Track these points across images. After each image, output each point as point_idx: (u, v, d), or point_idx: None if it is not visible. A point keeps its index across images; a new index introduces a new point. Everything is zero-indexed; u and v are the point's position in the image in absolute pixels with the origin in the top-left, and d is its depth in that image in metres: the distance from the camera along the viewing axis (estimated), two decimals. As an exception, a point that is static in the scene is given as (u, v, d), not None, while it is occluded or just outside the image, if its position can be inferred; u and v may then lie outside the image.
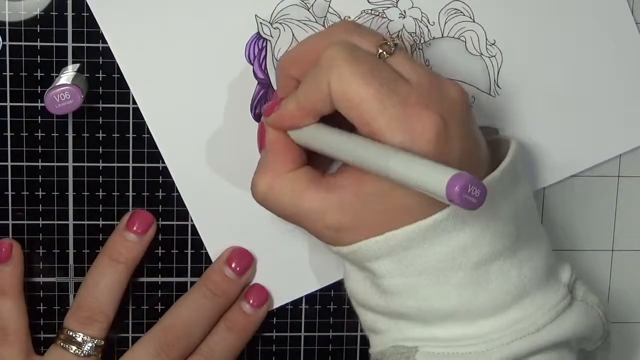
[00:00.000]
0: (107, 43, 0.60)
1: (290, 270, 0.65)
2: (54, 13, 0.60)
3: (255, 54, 0.61)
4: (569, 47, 0.64)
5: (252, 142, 0.60)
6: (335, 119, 0.54)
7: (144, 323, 0.64)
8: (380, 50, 0.53)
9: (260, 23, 0.61)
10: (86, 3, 0.60)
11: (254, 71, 0.62)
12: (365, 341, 0.66)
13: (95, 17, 0.60)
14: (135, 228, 0.62)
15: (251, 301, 0.63)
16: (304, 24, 0.61)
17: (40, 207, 0.62)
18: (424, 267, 0.53)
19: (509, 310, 0.54)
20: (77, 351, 0.60)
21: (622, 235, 0.68)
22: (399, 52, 0.54)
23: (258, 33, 0.61)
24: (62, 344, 0.60)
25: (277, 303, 0.65)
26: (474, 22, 0.62)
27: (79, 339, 0.60)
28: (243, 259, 0.63)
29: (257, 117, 0.62)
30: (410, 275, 0.53)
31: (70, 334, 0.60)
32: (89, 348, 0.60)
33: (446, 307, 0.54)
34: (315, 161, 0.57)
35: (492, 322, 0.54)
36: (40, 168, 0.62)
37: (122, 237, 0.61)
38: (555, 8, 0.63)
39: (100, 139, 0.62)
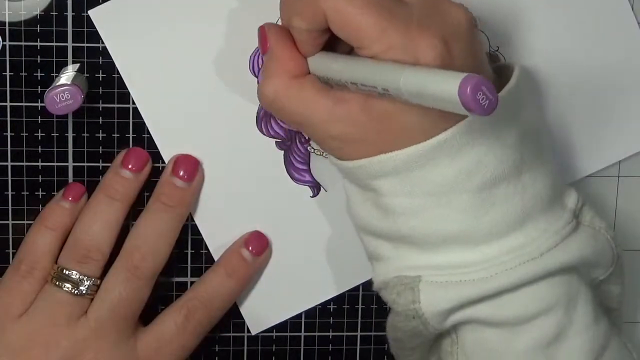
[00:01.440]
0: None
1: (291, 280, 0.65)
2: (54, 13, 0.60)
3: (260, 66, 0.61)
4: (572, 52, 0.64)
5: (256, 152, 0.62)
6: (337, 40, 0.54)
7: (144, 323, 0.64)
8: None
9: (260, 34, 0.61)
10: (86, 3, 0.60)
11: (258, 83, 0.62)
12: (365, 341, 0.67)
13: (101, 34, 0.60)
14: (130, 166, 0.61)
15: (250, 248, 0.63)
16: None
17: (40, 207, 0.62)
18: (428, 189, 0.53)
19: (512, 235, 0.54)
20: (72, 289, 0.59)
21: (622, 235, 0.68)
22: None
23: None
24: (56, 282, 0.59)
25: (275, 321, 0.66)
26: (476, 28, 0.62)
27: (74, 277, 0.59)
28: (189, 165, 0.62)
29: (263, 129, 0.62)
30: (414, 196, 0.53)
31: (65, 272, 0.59)
32: (85, 287, 0.59)
33: (449, 230, 0.53)
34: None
35: (495, 247, 0.54)
36: (40, 168, 0.62)
37: (118, 174, 0.61)
38: (558, 14, 0.63)
39: (100, 139, 0.62)
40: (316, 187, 0.64)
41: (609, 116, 0.65)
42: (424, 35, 0.50)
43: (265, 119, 0.62)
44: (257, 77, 0.61)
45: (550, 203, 0.55)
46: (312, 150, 0.63)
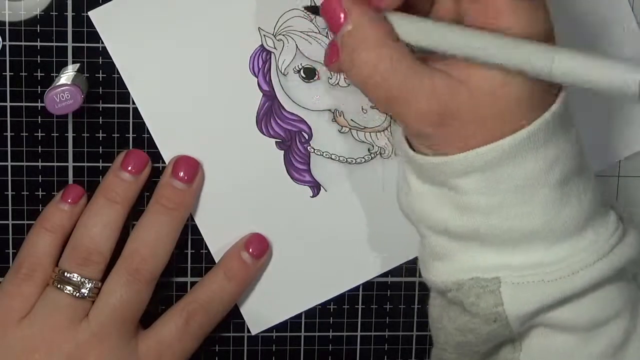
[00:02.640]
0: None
1: (291, 280, 0.65)
2: (54, 13, 0.60)
3: (260, 66, 0.62)
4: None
5: (256, 152, 0.62)
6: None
7: (144, 324, 0.64)
8: None
9: (264, 35, 0.61)
10: (86, 3, 0.60)
11: (258, 83, 0.62)
12: (365, 341, 0.66)
13: (101, 35, 0.60)
14: (130, 168, 0.61)
15: (250, 250, 0.63)
16: (308, 35, 0.62)
17: (40, 207, 0.62)
18: (513, 184, 0.52)
19: (585, 231, 0.54)
20: (73, 292, 0.59)
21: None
22: None
23: (262, 45, 0.62)
24: (57, 285, 0.59)
25: (275, 321, 0.66)
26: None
27: (75, 280, 0.59)
28: (189, 166, 0.62)
29: (263, 129, 0.62)
30: (496, 193, 0.52)
31: (66, 274, 0.59)
32: (86, 290, 0.59)
33: (529, 227, 0.53)
34: None
35: (571, 244, 0.53)
36: (40, 168, 0.62)
37: (118, 177, 0.61)
38: (557, 14, 0.63)
39: (100, 139, 0.62)
40: (316, 187, 0.64)
41: (609, 116, 0.65)
42: (542, 5, 0.51)
43: (265, 119, 0.62)
44: (256, 77, 0.62)
45: (602, 200, 0.56)
46: (312, 150, 0.63)
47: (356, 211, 0.64)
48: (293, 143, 0.63)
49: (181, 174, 0.61)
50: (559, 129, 0.52)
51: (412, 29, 0.52)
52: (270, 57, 0.62)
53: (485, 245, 0.54)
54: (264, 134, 0.62)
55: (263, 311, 0.65)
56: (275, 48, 0.62)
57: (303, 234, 0.64)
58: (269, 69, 0.62)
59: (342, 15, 0.53)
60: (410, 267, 0.66)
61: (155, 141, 0.62)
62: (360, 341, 0.67)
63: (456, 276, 0.55)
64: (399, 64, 0.51)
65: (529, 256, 0.54)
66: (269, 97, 0.62)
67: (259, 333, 0.66)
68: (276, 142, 0.63)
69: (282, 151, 0.63)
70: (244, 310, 0.65)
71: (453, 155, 0.52)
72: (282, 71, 0.62)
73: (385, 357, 0.67)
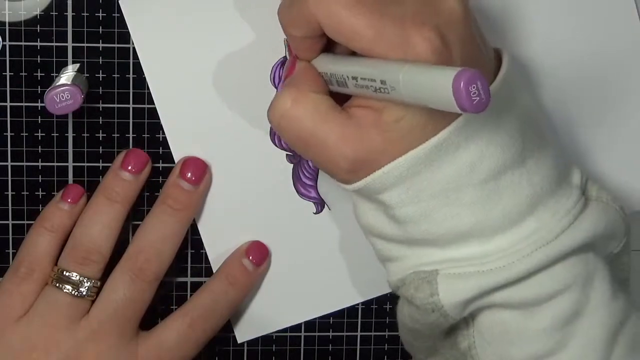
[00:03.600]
0: (107, 43, 0.60)
1: (283, 293, 0.65)
2: (54, 13, 0.60)
3: (281, 77, 0.61)
4: (573, 44, 0.64)
5: (266, 163, 0.62)
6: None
7: (144, 323, 0.64)
8: None
9: (288, 47, 0.61)
10: (86, 3, 0.60)
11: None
12: (365, 341, 0.67)
13: (129, 27, 0.60)
14: (130, 167, 0.61)
15: (251, 257, 0.63)
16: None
17: (40, 207, 0.62)
18: (434, 190, 0.52)
19: (525, 221, 0.54)
20: (72, 291, 0.59)
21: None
22: None
23: (285, 57, 0.61)
24: (56, 283, 0.59)
25: (262, 332, 0.66)
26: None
27: (75, 279, 0.59)
28: (197, 168, 0.62)
29: (276, 141, 0.63)
30: (420, 201, 0.53)
31: (65, 273, 0.59)
32: (85, 289, 0.59)
33: (460, 226, 0.53)
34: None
35: (509, 236, 0.54)
36: (40, 168, 0.62)
37: (118, 176, 0.61)
38: (557, 8, 0.63)
39: (100, 139, 0.62)
40: (320, 204, 0.64)
41: (608, 116, 0.65)
42: (419, 30, 0.49)
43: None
44: (276, 88, 0.62)
45: (558, 184, 0.55)
46: None
47: (357, 232, 0.64)
48: (303, 158, 0.63)
49: (189, 174, 0.61)
50: (479, 127, 0.52)
51: (319, 63, 0.55)
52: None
53: (425, 246, 0.55)
54: (276, 146, 0.62)
55: (252, 321, 0.65)
56: None
57: (302, 249, 0.64)
58: None
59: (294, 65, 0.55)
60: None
61: (168, 139, 0.62)
62: (360, 341, 0.67)
63: (402, 274, 0.56)
64: (312, 109, 0.53)
65: (466, 250, 0.54)
66: None
67: (244, 342, 0.66)
68: (287, 155, 0.63)
69: (292, 165, 0.63)
70: (233, 317, 0.65)
71: (365, 178, 0.53)
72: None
73: (385, 357, 0.67)
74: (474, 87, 0.44)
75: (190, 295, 0.64)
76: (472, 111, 0.44)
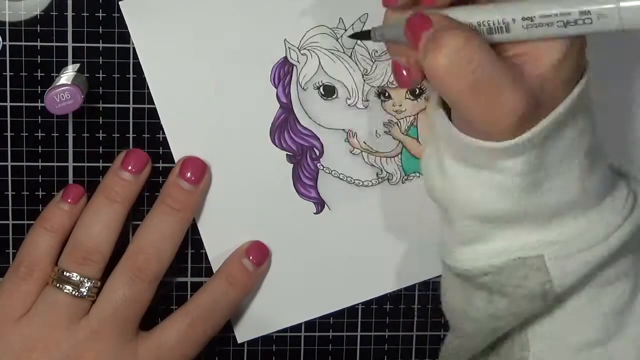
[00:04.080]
0: (107, 43, 0.60)
1: (283, 293, 0.65)
2: (54, 13, 0.60)
3: (281, 77, 0.61)
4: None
5: (265, 163, 0.62)
6: None
7: (144, 323, 0.64)
8: None
9: (289, 48, 0.61)
10: (86, 3, 0.59)
11: (277, 94, 0.62)
12: (365, 341, 0.67)
13: (129, 28, 0.60)
14: (130, 167, 0.61)
15: (251, 257, 0.63)
16: (332, 52, 0.62)
17: (40, 207, 0.62)
18: (554, 159, 0.53)
19: (610, 195, 0.56)
20: (73, 291, 0.59)
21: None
22: None
23: (285, 57, 0.61)
24: (56, 284, 0.59)
25: (262, 332, 0.66)
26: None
27: (75, 279, 0.59)
28: (197, 168, 0.62)
29: (276, 141, 0.62)
30: (540, 169, 0.53)
31: (66, 273, 0.59)
32: (86, 289, 0.59)
33: (567, 197, 0.54)
34: None
35: (601, 210, 0.55)
36: (40, 168, 0.62)
37: (118, 176, 0.61)
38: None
39: (100, 139, 0.62)
40: (320, 205, 0.64)
41: (608, 116, 0.65)
42: None
43: (279, 131, 0.62)
44: (276, 88, 0.62)
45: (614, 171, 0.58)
46: (322, 168, 0.63)
47: (357, 233, 0.64)
48: (303, 158, 0.63)
49: (188, 174, 0.61)
50: (585, 102, 0.53)
51: (465, 14, 0.51)
52: (292, 70, 0.62)
53: (523, 225, 0.54)
54: (276, 146, 0.62)
55: (252, 321, 0.65)
56: (298, 61, 0.62)
57: (302, 249, 0.64)
58: (289, 82, 0.62)
59: (426, 23, 0.50)
60: (410, 267, 0.66)
61: (168, 139, 0.62)
62: (360, 341, 0.67)
63: (493, 259, 0.55)
64: (487, 52, 0.49)
65: (563, 229, 0.54)
66: (286, 109, 0.62)
67: (244, 342, 0.66)
68: (287, 155, 0.63)
69: (292, 165, 0.63)
70: (233, 318, 0.65)
71: (509, 140, 0.51)
72: (302, 85, 0.62)
73: (385, 357, 0.67)
74: None
75: (191, 295, 0.64)
76: None
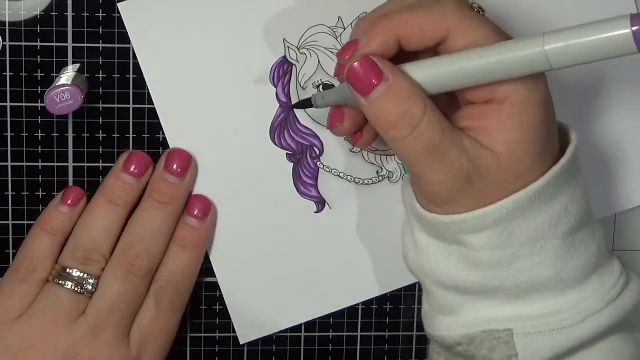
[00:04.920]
0: (107, 43, 0.60)
1: (284, 292, 0.65)
2: (54, 13, 0.60)
3: (280, 76, 0.61)
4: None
5: (265, 161, 0.62)
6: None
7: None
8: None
9: (288, 47, 0.61)
10: (86, 3, 0.59)
11: (276, 94, 0.62)
12: (365, 341, 0.66)
13: (127, 29, 0.60)
14: (132, 170, 0.61)
15: (195, 212, 0.62)
16: (331, 52, 0.62)
17: (40, 207, 0.62)
18: (523, 238, 0.53)
19: (590, 278, 0.55)
20: (74, 287, 0.59)
21: (622, 235, 0.68)
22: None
23: (284, 56, 0.61)
24: (57, 280, 0.59)
25: (265, 332, 0.66)
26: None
27: (75, 275, 0.59)
28: (181, 159, 0.61)
29: (275, 140, 0.62)
30: (508, 247, 0.53)
31: (67, 270, 0.59)
32: (88, 284, 0.59)
33: (540, 277, 0.54)
34: None
35: (579, 292, 0.54)
36: (40, 168, 0.62)
37: (120, 179, 0.61)
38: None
39: (100, 139, 0.62)
40: (321, 203, 0.64)
41: (608, 116, 0.65)
42: None
43: (278, 130, 0.62)
44: (275, 87, 0.62)
45: (607, 249, 0.57)
46: (322, 166, 0.63)
47: (358, 231, 0.64)
48: (303, 157, 0.63)
49: (174, 166, 0.61)
50: (567, 180, 0.53)
51: (430, 74, 0.51)
52: (291, 69, 0.62)
53: (495, 298, 0.55)
54: (276, 145, 0.62)
55: (253, 321, 0.65)
56: (297, 61, 0.62)
57: (303, 248, 0.64)
58: (289, 81, 0.62)
59: (375, 77, 0.51)
60: (410, 267, 0.66)
61: (167, 139, 0.62)
62: (360, 341, 0.67)
63: (466, 329, 0.56)
64: (434, 117, 0.51)
65: (538, 306, 0.54)
66: (285, 108, 0.62)
67: (245, 342, 0.66)
68: (287, 154, 0.63)
69: (292, 164, 0.63)
70: (235, 318, 0.65)
71: (465, 213, 0.53)
72: (302, 84, 0.62)
73: (385, 357, 0.67)
74: None
75: (190, 294, 0.64)
76: None
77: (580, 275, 0.54)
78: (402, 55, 0.52)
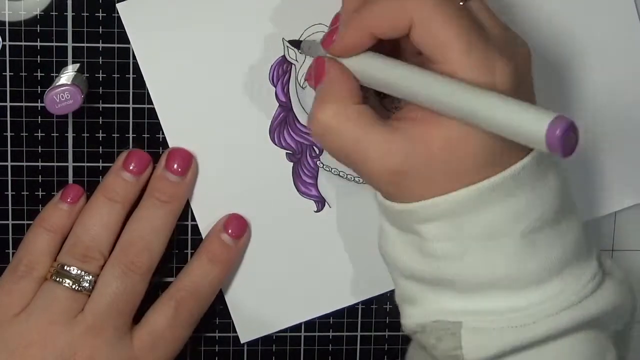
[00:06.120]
0: (107, 43, 0.60)
1: (285, 291, 0.65)
2: (54, 13, 0.60)
3: (279, 76, 0.61)
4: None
5: (265, 161, 0.62)
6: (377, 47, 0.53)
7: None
8: None
9: (287, 46, 0.61)
10: (86, 3, 0.60)
11: (276, 93, 0.62)
12: (365, 341, 0.67)
13: (126, 30, 0.60)
14: (132, 168, 0.61)
15: (230, 231, 0.63)
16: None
17: (40, 207, 0.62)
18: (476, 232, 0.52)
19: (552, 281, 0.54)
20: (73, 285, 0.59)
21: (622, 235, 0.68)
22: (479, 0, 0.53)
23: (283, 56, 0.61)
24: (55, 278, 0.59)
25: (265, 331, 0.66)
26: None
27: (74, 273, 0.59)
28: (183, 159, 0.62)
29: (275, 139, 0.62)
30: (460, 240, 0.53)
31: (66, 268, 0.59)
32: (86, 282, 0.59)
33: (493, 274, 0.53)
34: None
35: (536, 293, 0.54)
36: (40, 168, 0.62)
37: (119, 177, 0.61)
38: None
39: (100, 139, 0.62)
40: (321, 203, 0.64)
41: (607, 115, 0.66)
42: (501, 59, 0.50)
43: (278, 130, 0.62)
44: (275, 86, 0.62)
45: (582, 251, 0.56)
46: (322, 166, 0.63)
47: (358, 230, 0.64)
48: (303, 156, 0.63)
49: (175, 166, 0.61)
50: (532, 178, 0.52)
51: (378, 70, 0.53)
52: (290, 69, 0.62)
53: (450, 290, 0.55)
54: (276, 144, 0.62)
55: (254, 321, 0.65)
56: (296, 60, 0.62)
57: (303, 247, 0.64)
58: (288, 81, 0.62)
59: (323, 72, 0.55)
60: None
61: (167, 139, 0.62)
62: (360, 341, 0.67)
63: (422, 319, 0.56)
64: (355, 122, 0.53)
65: (491, 302, 0.54)
66: (285, 108, 0.62)
67: (246, 342, 0.66)
68: (287, 153, 0.63)
69: (292, 163, 0.63)
70: (235, 317, 0.65)
71: (414, 202, 0.53)
72: (301, 84, 0.62)
73: (385, 357, 0.67)
74: (568, 135, 0.44)
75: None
76: (562, 156, 0.44)
77: (539, 276, 0.53)
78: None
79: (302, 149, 0.63)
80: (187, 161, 0.62)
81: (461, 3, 0.52)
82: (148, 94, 0.61)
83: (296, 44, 0.61)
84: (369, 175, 0.54)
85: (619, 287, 0.56)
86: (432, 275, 0.54)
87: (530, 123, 0.45)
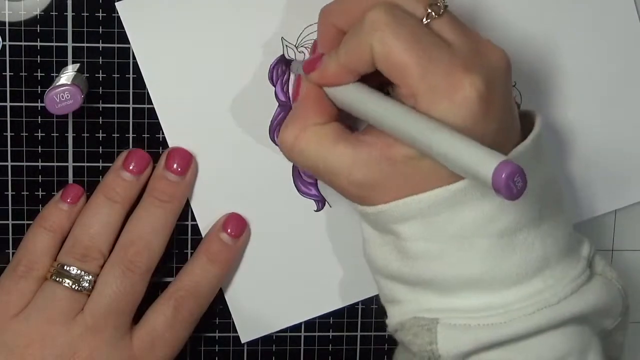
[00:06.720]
0: (107, 43, 0.60)
1: (285, 290, 0.65)
2: (54, 13, 0.60)
3: (279, 76, 0.61)
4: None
5: (265, 160, 0.62)
6: (374, 76, 0.54)
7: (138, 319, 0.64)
8: (429, 11, 0.53)
9: (286, 46, 0.61)
10: (86, 3, 0.60)
11: (275, 93, 0.62)
12: (365, 341, 0.67)
13: (126, 30, 0.60)
14: (132, 167, 0.61)
15: (229, 230, 0.63)
16: None
17: (40, 207, 0.62)
18: (451, 232, 0.53)
19: (531, 281, 0.54)
20: (73, 285, 0.59)
21: (622, 235, 0.68)
22: (447, 15, 0.53)
23: (283, 55, 0.61)
24: (55, 278, 0.59)
25: (265, 331, 0.66)
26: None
27: (74, 273, 0.59)
28: (183, 158, 0.62)
29: (275, 139, 0.62)
30: (435, 240, 0.53)
31: (66, 267, 0.59)
32: (86, 282, 0.59)
33: (469, 274, 0.54)
34: (345, 118, 0.57)
35: (513, 293, 0.54)
36: (40, 168, 0.62)
37: (119, 176, 0.61)
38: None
39: (100, 139, 0.62)
40: (321, 202, 0.64)
41: (608, 115, 0.66)
42: (467, 75, 0.51)
43: (278, 129, 0.62)
44: (274, 86, 0.62)
45: (567, 252, 0.56)
46: None
47: (358, 229, 0.64)
48: None
49: (174, 165, 0.61)
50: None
51: (350, 98, 0.55)
52: (290, 68, 0.61)
53: (428, 290, 0.55)
54: (276, 144, 0.62)
55: (254, 321, 0.65)
56: (296, 59, 0.61)
57: (303, 247, 0.64)
58: (288, 80, 0.62)
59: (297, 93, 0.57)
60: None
61: (167, 139, 0.62)
62: (360, 341, 0.67)
63: (401, 317, 0.56)
64: (317, 142, 0.55)
65: (469, 301, 0.54)
66: (285, 107, 0.62)
67: (246, 342, 0.66)
68: None
69: (292, 162, 0.63)
70: (236, 317, 0.65)
71: (387, 203, 0.53)
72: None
73: (385, 357, 0.67)
74: (513, 180, 0.45)
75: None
76: (507, 198, 0.46)
77: (517, 276, 0.54)
78: None
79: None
80: (186, 161, 0.62)
81: (427, 20, 0.53)
82: (148, 94, 0.61)
83: (287, 63, 0.61)
84: (339, 189, 0.55)
85: (605, 288, 0.56)
86: (410, 275, 0.55)
87: (478, 165, 0.47)
